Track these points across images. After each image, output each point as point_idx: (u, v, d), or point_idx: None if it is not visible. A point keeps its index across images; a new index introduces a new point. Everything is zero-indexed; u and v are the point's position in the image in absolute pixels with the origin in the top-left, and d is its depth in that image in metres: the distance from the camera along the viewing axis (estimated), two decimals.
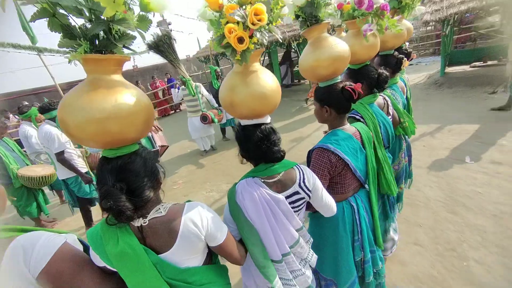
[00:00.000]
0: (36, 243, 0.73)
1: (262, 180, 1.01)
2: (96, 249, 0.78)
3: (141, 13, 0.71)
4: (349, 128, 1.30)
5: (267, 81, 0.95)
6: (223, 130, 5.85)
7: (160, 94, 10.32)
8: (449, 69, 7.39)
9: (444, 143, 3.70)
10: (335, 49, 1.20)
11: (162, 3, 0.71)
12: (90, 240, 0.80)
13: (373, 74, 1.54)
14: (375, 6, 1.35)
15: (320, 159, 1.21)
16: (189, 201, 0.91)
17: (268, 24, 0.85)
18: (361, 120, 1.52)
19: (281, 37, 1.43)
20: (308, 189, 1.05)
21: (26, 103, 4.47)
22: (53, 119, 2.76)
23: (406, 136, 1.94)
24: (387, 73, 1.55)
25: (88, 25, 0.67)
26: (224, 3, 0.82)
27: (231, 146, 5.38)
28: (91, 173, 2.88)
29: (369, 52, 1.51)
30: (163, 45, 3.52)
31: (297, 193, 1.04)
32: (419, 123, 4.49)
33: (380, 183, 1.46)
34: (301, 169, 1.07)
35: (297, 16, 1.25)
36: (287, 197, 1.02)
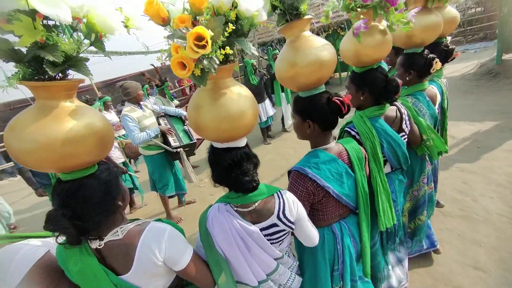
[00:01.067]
0: (14, 258, 0.74)
1: (235, 209, 0.91)
2: (61, 265, 0.79)
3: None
4: (334, 147, 1.08)
5: (239, 100, 0.81)
6: (263, 131, 5.17)
7: (188, 90, 10.33)
8: (507, 56, 6.21)
9: (506, 145, 3.01)
10: (317, 52, 0.96)
11: (109, 25, 0.66)
12: (57, 255, 0.80)
13: (379, 81, 1.23)
14: None
15: (296, 185, 1.03)
16: (159, 219, 0.88)
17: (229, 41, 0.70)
18: (357, 136, 1.27)
19: (256, 53, 1.01)
20: (290, 221, 0.92)
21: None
22: None
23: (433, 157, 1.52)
24: (398, 81, 1.21)
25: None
26: (171, 15, 0.70)
27: (258, 144, 5.10)
28: (128, 163, 3.13)
29: (376, 52, 1.19)
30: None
31: (274, 225, 0.91)
32: (470, 120, 3.81)
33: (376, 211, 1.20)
34: (283, 198, 0.93)
35: (273, 8, 1.00)
36: (263, 229, 0.90)
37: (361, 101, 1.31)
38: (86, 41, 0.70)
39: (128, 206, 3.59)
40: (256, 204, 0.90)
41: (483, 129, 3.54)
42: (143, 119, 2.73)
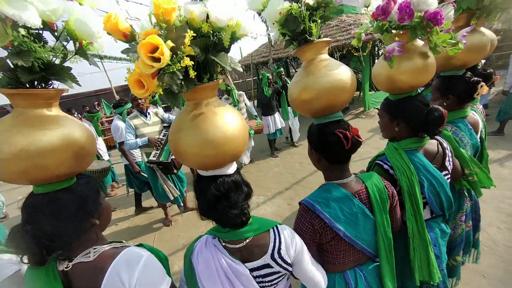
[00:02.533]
0: None
1: (223, 244, 0.81)
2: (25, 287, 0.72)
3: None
4: (351, 183, 0.92)
5: (224, 124, 0.72)
6: (271, 143, 5.09)
7: None
8: None
9: None
10: (328, 77, 0.85)
11: (89, 31, 0.62)
12: (25, 275, 0.73)
13: (418, 111, 1.03)
14: (417, 14, 0.86)
15: (302, 221, 0.90)
16: (140, 244, 0.79)
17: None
18: (390, 171, 1.08)
19: (240, 69, 0.76)
20: (286, 262, 0.80)
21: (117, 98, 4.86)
22: (120, 113, 3.26)
23: (473, 193, 1.32)
24: (442, 112, 1.01)
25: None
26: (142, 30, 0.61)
27: (266, 156, 5.11)
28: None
29: (415, 78, 1.01)
30: None
31: (268, 266, 0.79)
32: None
33: (411, 264, 1.02)
34: (279, 234, 0.81)
35: (283, 34, 0.92)
36: (253, 270, 0.79)
37: (396, 132, 1.12)
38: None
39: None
40: (247, 240, 0.79)
41: (495, 157, 3.36)
42: (142, 127, 2.80)
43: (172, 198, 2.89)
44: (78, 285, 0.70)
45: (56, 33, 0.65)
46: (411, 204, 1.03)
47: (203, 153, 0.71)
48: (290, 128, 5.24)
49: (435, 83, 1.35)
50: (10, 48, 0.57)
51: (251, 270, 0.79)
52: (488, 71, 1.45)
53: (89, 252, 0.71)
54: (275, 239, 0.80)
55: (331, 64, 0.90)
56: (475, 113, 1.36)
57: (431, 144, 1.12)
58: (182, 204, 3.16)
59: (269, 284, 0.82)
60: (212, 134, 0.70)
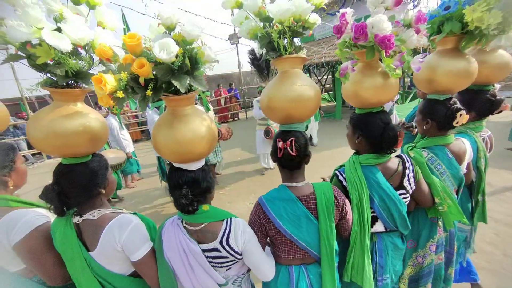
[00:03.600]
0: (20, 219, 0.89)
1: (184, 225, 0.95)
2: (52, 233, 0.92)
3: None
4: (300, 187, 1.02)
5: (192, 128, 0.87)
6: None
7: (222, 101, 10.71)
8: None
9: None
10: (291, 91, 0.95)
11: (108, 53, 0.81)
12: (51, 225, 0.94)
13: (375, 128, 1.07)
14: (372, 35, 0.90)
15: (253, 213, 1.04)
16: (134, 213, 1.00)
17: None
18: (344, 183, 1.14)
19: (203, 88, 0.91)
20: (234, 250, 0.93)
21: None
22: (158, 107, 3.68)
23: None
24: (396, 132, 1.03)
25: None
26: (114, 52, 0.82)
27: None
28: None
29: (375, 94, 1.04)
30: (263, 63, 3.69)
31: (216, 250, 0.92)
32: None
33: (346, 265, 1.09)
34: (230, 225, 0.94)
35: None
36: (205, 251, 0.93)
37: (356, 145, 1.17)
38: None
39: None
40: (203, 225, 0.92)
41: None
42: None
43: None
44: (85, 235, 0.92)
45: (85, 48, 0.88)
46: (358, 216, 1.08)
47: (172, 150, 0.87)
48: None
49: (420, 104, 1.29)
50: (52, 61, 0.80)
51: (204, 251, 0.92)
52: (498, 97, 1.31)
53: (95, 212, 0.92)
54: (225, 228, 0.92)
55: (298, 79, 0.97)
56: (465, 141, 1.26)
57: (392, 162, 1.13)
58: None
59: (220, 265, 0.95)
60: (180, 136, 0.85)
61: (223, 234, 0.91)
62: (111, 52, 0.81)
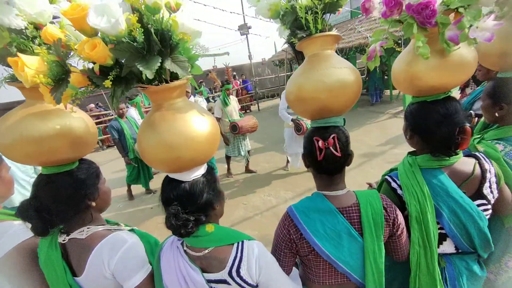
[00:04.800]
0: (5, 233, 0.81)
1: (185, 249, 0.77)
2: (38, 252, 0.81)
3: None
4: (341, 196, 0.82)
5: (181, 127, 0.67)
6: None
7: (234, 93, 10.72)
8: None
9: None
10: (328, 76, 0.78)
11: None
12: (39, 243, 0.83)
13: (429, 121, 0.84)
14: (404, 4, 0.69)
15: (281, 226, 0.84)
16: (132, 229, 0.87)
17: None
18: (398, 191, 0.92)
19: (180, 71, 0.66)
20: (246, 282, 0.73)
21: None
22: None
23: None
24: (454, 128, 0.81)
25: None
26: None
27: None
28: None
29: (443, 77, 0.80)
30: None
31: (225, 282, 0.73)
32: None
33: None
34: (242, 252, 0.74)
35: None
36: (210, 281, 0.74)
37: (410, 143, 0.94)
38: None
39: None
40: (207, 250, 0.74)
41: None
42: None
43: None
44: (71, 256, 0.80)
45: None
46: (420, 234, 0.86)
47: (159, 156, 0.69)
48: None
49: (487, 86, 1.02)
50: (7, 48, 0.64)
51: (209, 281, 0.74)
52: None
53: (83, 230, 0.79)
54: (235, 256, 0.73)
55: (334, 61, 0.81)
56: None
57: (464, 164, 0.88)
58: None
59: None
60: (167, 139, 0.66)
61: (233, 263, 0.73)
62: (63, 36, 0.61)
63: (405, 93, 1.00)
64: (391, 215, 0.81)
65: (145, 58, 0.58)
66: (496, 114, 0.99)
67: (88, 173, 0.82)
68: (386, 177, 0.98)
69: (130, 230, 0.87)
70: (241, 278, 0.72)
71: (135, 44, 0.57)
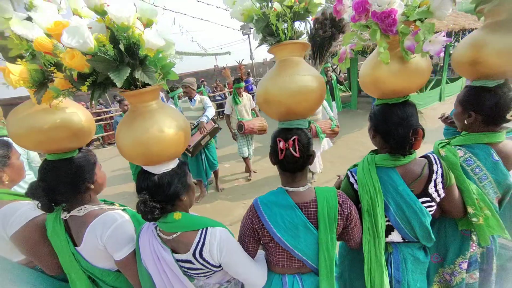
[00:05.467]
0: (16, 211, 0.91)
1: (158, 232, 0.89)
2: (46, 226, 0.92)
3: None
4: (301, 193, 0.90)
5: (151, 127, 0.77)
6: None
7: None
8: None
9: None
10: (292, 83, 0.83)
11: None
12: (46, 218, 0.94)
13: (388, 124, 0.90)
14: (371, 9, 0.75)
15: (246, 216, 0.93)
16: (125, 209, 0.99)
17: None
18: (355, 185, 1.01)
19: (148, 80, 0.78)
20: (210, 263, 0.85)
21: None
22: (173, 97, 3.85)
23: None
24: (408, 130, 0.87)
25: None
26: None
27: None
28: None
29: (394, 82, 0.86)
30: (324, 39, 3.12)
31: (190, 262, 0.85)
32: None
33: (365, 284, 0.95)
34: (204, 237, 0.84)
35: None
36: (179, 261, 0.86)
37: (374, 143, 1.01)
38: None
39: None
40: (175, 235, 0.85)
41: None
42: (186, 110, 3.34)
43: None
44: (72, 230, 0.92)
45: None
46: (370, 225, 0.94)
47: (133, 151, 0.79)
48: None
49: (460, 93, 1.03)
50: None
51: (177, 260, 0.86)
52: None
53: (81, 209, 0.91)
54: (199, 240, 0.84)
55: (300, 68, 0.85)
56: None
57: (416, 164, 0.94)
58: (206, 183, 3.56)
59: (196, 275, 0.89)
60: (140, 135, 0.76)
61: (196, 246, 0.83)
62: (51, 45, 0.70)
63: (371, 95, 1.08)
64: (346, 210, 0.89)
65: (118, 68, 0.68)
66: (465, 122, 1.01)
67: (87, 160, 0.93)
68: (347, 171, 1.06)
69: (123, 210, 0.98)
70: (203, 259, 0.84)
71: (107, 56, 0.66)
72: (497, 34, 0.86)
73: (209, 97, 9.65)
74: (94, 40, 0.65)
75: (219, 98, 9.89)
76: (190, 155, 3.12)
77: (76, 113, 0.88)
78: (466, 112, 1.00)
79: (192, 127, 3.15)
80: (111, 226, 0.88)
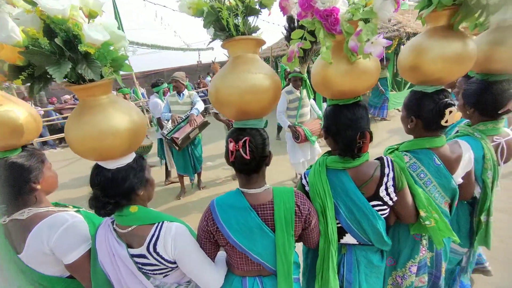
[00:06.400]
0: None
1: (114, 226, 0.86)
2: None
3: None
4: (257, 194, 0.85)
5: (101, 121, 0.73)
6: (279, 129, 4.99)
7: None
8: None
9: None
10: (244, 81, 0.79)
11: None
12: None
13: (339, 125, 0.89)
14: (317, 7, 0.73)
15: (202, 218, 0.89)
16: (78, 210, 0.94)
17: None
18: (306, 187, 0.98)
19: (93, 76, 0.72)
20: (164, 258, 0.82)
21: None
22: (158, 92, 3.74)
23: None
24: (355, 133, 0.86)
25: None
26: None
27: (278, 148, 4.53)
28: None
29: (349, 82, 0.85)
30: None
31: (144, 256, 0.83)
32: None
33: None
34: (159, 231, 0.82)
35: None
36: (134, 256, 0.83)
37: (328, 144, 0.99)
38: None
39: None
40: (131, 228, 0.83)
41: None
42: (174, 104, 3.27)
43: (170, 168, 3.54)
44: (13, 236, 0.84)
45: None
46: (323, 227, 0.92)
47: (83, 146, 0.75)
48: None
49: (406, 97, 1.04)
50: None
51: (132, 255, 0.83)
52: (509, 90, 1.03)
53: (24, 212, 0.84)
54: (153, 234, 0.82)
55: (252, 66, 0.81)
56: (463, 145, 1.01)
57: (368, 167, 0.92)
58: (193, 178, 3.51)
59: (152, 272, 0.86)
60: (85, 130, 0.72)
61: (151, 240, 0.82)
62: None
63: (322, 95, 1.08)
64: (304, 212, 0.86)
65: (58, 62, 0.63)
66: (408, 126, 1.02)
67: (30, 159, 0.87)
68: (305, 171, 1.02)
69: (76, 211, 0.93)
70: (157, 253, 0.81)
71: (44, 49, 0.62)
72: (433, 40, 0.88)
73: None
74: (22, 33, 0.59)
75: (202, 94, 9.75)
76: (177, 148, 3.06)
77: (15, 109, 0.84)
78: (408, 116, 1.01)
79: (180, 120, 3.11)
80: (60, 228, 0.82)
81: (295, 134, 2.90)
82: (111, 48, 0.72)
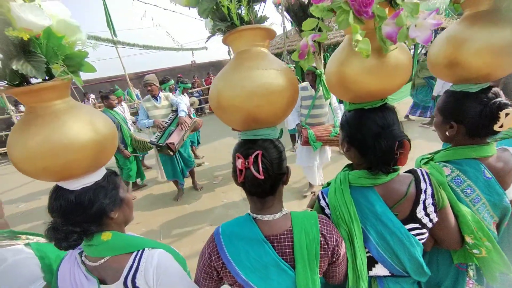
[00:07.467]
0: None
1: (82, 258, 0.72)
2: None
3: None
4: (273, 221, 0.69)
5: (53, 134, 0.58)
6: (292, 137, 4.40)
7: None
8: None
9: None
10: (253, 80, 0.63)
11: None
12: None
13: (363, 133, 0.73)
14: None
15: (205, 248, 0.73)
16: (28, 244, 0.82)
17: None
18: (326, 210, 0.81)
19: (37, 75, 0.59)
20: None
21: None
22: (164, 89, 3.80)
23: None
24: (393, 141, 0.69)
25: None
26: None
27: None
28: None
29: (379, 80, 0.68)
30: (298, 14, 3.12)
31: None
32: None
33: None
34: (139, 260, 0.68)
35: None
36: None
37: (349, 157, 0.82)
38: None
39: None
40: (103, 260, 0.69)
41: None
42: (152, 109, 3.08)
43: (161, 179, 3.39)
44: None
45: None
46: (350, 257, 0.75)
47: (28, 167, 0.60)
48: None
49: (439, 100, 0.88)
50: None
51: None
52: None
53: None
54: (132, 265, 0.68)
55: (262, 62, 0.66)
56: (506, 153, 0.84)
57: (400, 182, 0.75)
58: (183, 182, 3.39)
59: None
60: (32, 145, 0.57)
61: (128, 273, 0.67)
62: None
63: (339, 98, 0.92)
64: (331, 243, 0.69)
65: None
66: (447, 133, 0.85)
67: None
68: (319, 192, 0.85)
69: (26, 244, 0.80)
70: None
71: None
72: (477, 28, 0.72)
73: (188, 93, 9.34)
74: None
75: (197, 94, 9.68)
76: (172, 153, 2.89)
77: None
78: (446, 122, 0.85)
79: (166, 124, 2.97)
80: (3, 264, 0.72)
81: (299, 133, 2.68)
82: (64, 42, 0.58)
